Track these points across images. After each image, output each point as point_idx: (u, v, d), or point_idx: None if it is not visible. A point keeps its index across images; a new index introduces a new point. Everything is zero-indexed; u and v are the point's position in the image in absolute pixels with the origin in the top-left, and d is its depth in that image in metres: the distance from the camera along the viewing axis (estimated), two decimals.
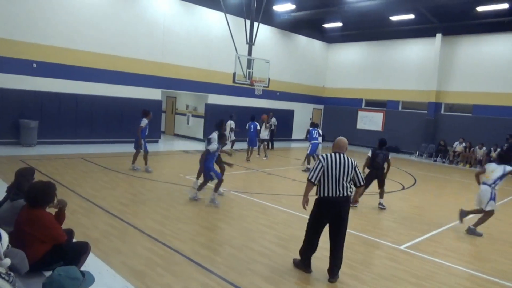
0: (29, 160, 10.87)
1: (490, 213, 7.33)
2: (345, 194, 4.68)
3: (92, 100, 15.31)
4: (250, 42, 16.13)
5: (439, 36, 20.78)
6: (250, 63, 15.51)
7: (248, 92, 19.81)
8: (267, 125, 16.17)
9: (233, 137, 16.33)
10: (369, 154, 8.84)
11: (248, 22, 15.97)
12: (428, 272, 5.29)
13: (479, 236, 7.19)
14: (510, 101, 18.75)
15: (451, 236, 7.22)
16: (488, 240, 7.18)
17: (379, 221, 7.54)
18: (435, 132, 21.14)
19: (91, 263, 4.35)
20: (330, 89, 26.39)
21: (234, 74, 15.24)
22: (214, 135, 8.57)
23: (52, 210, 3.94)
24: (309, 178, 4.79)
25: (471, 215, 7.63)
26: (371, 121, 24.04)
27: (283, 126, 21.79)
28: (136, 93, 16.70)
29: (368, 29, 22.35)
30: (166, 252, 5.24)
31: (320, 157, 4.80)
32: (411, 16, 19.19)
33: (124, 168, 10.92)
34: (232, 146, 16.54)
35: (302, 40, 24.49)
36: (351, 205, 4.98)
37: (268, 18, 19.72)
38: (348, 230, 4.93)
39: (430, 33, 20.92)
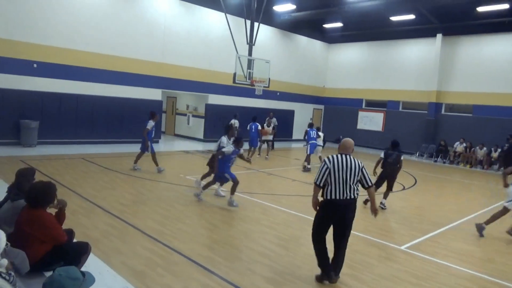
0: (30, 160, 10.87)
1: (504, 211, 7.27)
2: (352, 196, 4.57)
3: (93, 100, 15.31)
4: (251, 42, 16.14)
5: (439, 36, 20.77)
6: (250, 63, 15.52)
7: (248, 92, 19.81)
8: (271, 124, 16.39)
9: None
10: (382, 155, 8.96)
11: (248, 22, 15.98)
12: (429, 272, 5.29)
13: (481, 236, 7.18)
14: (510, 102, 18.73)
15: (451, 236, 7.21)
16: (488, 240, 7.17)
17: (379, 221, 7.54)
18: (436, 132, 21.13)
19: (92, 263, 4.35)
20: (330, 89, 26.39)
21: (235, 74, 15.25)
22: (223, 139, 8.55)
23: (52, 211, 3.94)
24: (315, 181, 4.69)
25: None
26: (371, 121, 24.03)
27: (283, 126, 21.79)
28: (136, 93, 16.71)
29: (369, 29, 22.35)
30: (166, 252, 5.24)
31: (326, 159, 4.68)
32: (411, 17, 19.18)
33: (124, 169, 10.93)
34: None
35: (303, 40, 24.49)
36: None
37: (269, 18, 19.72)
38: None
39: (431, 34, 20.91)
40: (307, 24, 22.65)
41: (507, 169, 8.08)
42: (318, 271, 5.05)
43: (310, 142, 13.70)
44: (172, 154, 15.62)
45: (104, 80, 15.69)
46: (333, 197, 4.54)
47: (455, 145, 19.35)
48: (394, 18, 19.85)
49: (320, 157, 14.50)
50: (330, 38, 25.44)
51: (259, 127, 15.22)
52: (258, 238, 6.25)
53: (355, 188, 4.61)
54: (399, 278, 5.01)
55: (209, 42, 19.06)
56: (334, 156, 4.65)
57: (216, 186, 8.83)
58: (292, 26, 22.33)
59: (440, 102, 21.29)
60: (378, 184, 8.85)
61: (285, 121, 22.71)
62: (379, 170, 8.90)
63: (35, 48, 13.84)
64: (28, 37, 13.63)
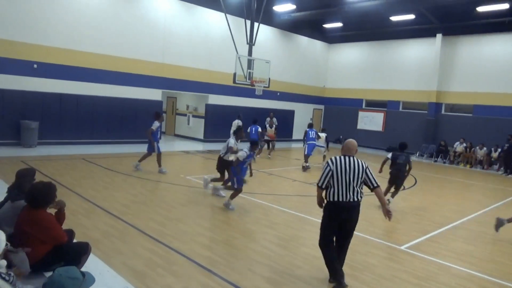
0: (30, 160, 10.88)
1: None
2: (355, 199, 4.47)
3: (93, 100, 15.32)
4: (251, 43, 16.15)
5: (439, 36, 20.77)
6: (250, 64, 15.53)
7: (248, 92, 19.82)
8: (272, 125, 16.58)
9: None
10: (389, 156, 9.02)
11: (248, 22, 15.99)
12: (429, 272, 5.29)
13: (496, 231, 7.14)
14: (510, 102, 18.73)
15: (451, 236, 7.21)
16: (489, 240, 7.17)
17: (379, 221, 7.53)
18: (436, 132, 21.13)
19: (92, 264, 4.35)
20: (330, 89, 26.39)
21: (235, 74, 15.25)
22: (231, 141, 8.54)
23: (52, 211, 3.94)
24: (317, 183, 4.67)
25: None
26: (371, 121, 24.03)
27: (283, 126, 21.79)
28: (136, 93, 16.72)
29: (369, 29, 22.37)
30: (166, 253, 5.24)
31: (329, 161, 4.63)
32: (411, 17, 19.19)
33: (125, 169, 10.93)
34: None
35: (303, 41, 24.49)
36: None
37: (269, 18, 19.74)
38: None
39: (431, 34, 20.92)
40: (307, 24, 22.66)
41: None
42: (318, 271, 5.05)
43: (309, 142, 13.88)
44: (172, 154, 15.61)
45: (104, 80, 15.70)
46: (335, 199, 4.47)
47: (455, 145, 19.34)
48: (394, 18, 19.87)
49: (324, 157, 14.58)
50: (330, 38, 25.44)
51: (259, 130, 15.21)
52: (258, 238, 6.25)
53: (359, 190, 4.51)
54: (399, 278, 5.01)
55: (209, 42, 19.07)
56: (337, 157, 4.58)
57: (216, 184, 8.84)
58: (292, 26, 22.34)
59: (440, 102, 21.29)
60: (389, 186, 8.97)
61: (285, 121, 22.72)
62: (386, 171, 8.90)
63: (35, 48, 13.85)
64: (28, 38, 13.64)
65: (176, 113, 22.11)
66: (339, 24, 22.19)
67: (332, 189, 4.51)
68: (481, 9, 16.86)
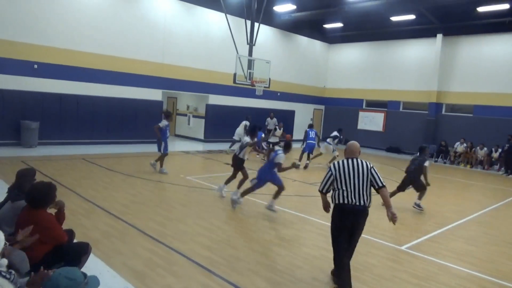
0: (30, 161, 10.88)
1: None
2: (361, 203, 4.32)
3: (93, 101, 15.32)
4: (251, 43, 16.15)
5: (439, 36, 20.77)
6: (250, 64, 15.53)
7: (248, 92, 19.83)
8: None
9: (243, 136, 16.66)
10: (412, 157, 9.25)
11: (248, 22, 15.99)
12: (429, 272, 5.28)
13: None
14: (510, 102, 18.72)
15: (452, 236, 7.21)
16: (489, 241, 7.17)
17: (379, 221, 7.53)
18: (436, 132, 21.12)
19: (92, 264, 4.35)
20: (330, 89, 26.39)
21: (235, 74, 15.26)
22: (247, 139, 8.48)
23: (52, 211, 3.94)
24: (319, 188, 4.65)
25: None
26: (372, 121, 24.03)
27: (283, 126, 21.75)
28: (137, 94, 16.72)
29: (369, 29, 22.36)
30: (166, 253, 5.24)
31: (331, 166, 4.58)
32: (411, 17, 19.19)
33: (124, 169, 10.93)
34: (231, 146, 16.70)
35: (303, 41, 24.49)
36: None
37: (269, 18, 19.74)
38: None
39: (431, 34, 20.92)
40: (307, 24, 22.66)
41: None
42: (318, 272, 5.05)
43: (308, 141, 14.15)
44: (173, 154, 15.58)
45: (104, 80, 15.71)
46: (341, 201, 4.36)
47: (455, 145, 19.34)
48: (394, 18, 19.87)
49: (333, 158, 14.51)
50: (330, 38, 25.44)
51: (263, 135, 15.18)
52: (258, 238, 6.25)
53: (367, 195, 4.36)
54: (399, 278, 5.00)
55: (209, 43, 19.07)
56: (340, 161, 4.52)
57: (221, 185, 8.79)
58: (293, 26, 22.34)
59: (441, 102, 21.29)
60: (401, 188, 9.03)
61: (285, 121, 22.67)
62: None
63: (36, 48, 13.85)
64: (29, 38, 13.65)
65: (176, 113, 22.11)
66: (339, 24, 22.19)
67: (337, 192, 4.42)
68: (481, 9, 16.85)
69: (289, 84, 23.55)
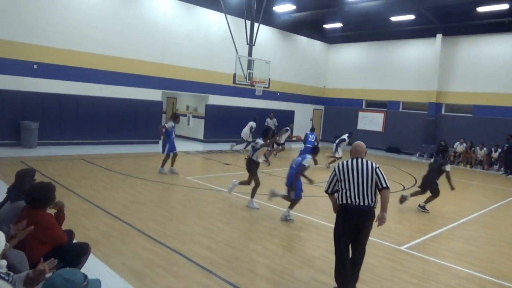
0: (30, 161, 10.88)
1: None
2: (366, 203, 4.24)
3: (93, 101, 15.31)
4: (251, 43, 16.15)
5: (439, 36, 20.78)
6: (250, 64, 15.52)
7: (248, 92, 19.82)
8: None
9: (251, 138, 16.86)
10: (431, 160, 9.34)
11: (248, 22, 15.98)
12: (429, 273, 5.28)
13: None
14: (510, 102, 18.73)
15: (452, 236, 7.21)
16: (489, 241, 7.17)
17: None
18: (436, 132, 21.13)
19: (91, 264, 4.35)
20: (330, 89, 26.39)
21: (235, 74, 15.26)
22: (260, 141, 8.28)
23: (51, 212, 3.94)
24: (325, 189, 4.63)
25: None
26: (371, 121, 24.03)
27: (283, 126, 21.72)
28: (136, 94, 16.72)
29: (369, 29, 22.36)
30: (166, 253, 5.24)
31: (335, 167, 4.55)
32: (411, 17, 19.20)
33: (124, 169, 10.93)
34: (246, 147, 16.86)
35: (303, 41, 24.50)
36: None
37: (269, 18, 19.74)
38: None
39: (431, 34, 20.92)
40: (307, 25, 22.66)
41: None
42: (318, 272, 5.05)
43: (306, 145, 14.05)
44: None
45: (104, 81, 15.70)
46: (344, 201, 4.31)
47: (455, 145, 19.35)
48: (394, 18, 19.87)
49: (334, 160, 14.64)
50: (330, 38, 25.45)
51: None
52: (258, 238, 6.25)
53: (371, 195, 4.27)
54: (399, 278, 5.00)
55: (209, 43, 19.07)
56: (345, 162, 4.48)
57: (234, 181, 8.53)
58: (292, 26, 22.34)
59: (440, 102, 21.30)
60: (422, 190, 9.01)
61: (285, 121, 22.68)
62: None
63: (35, 49, 13.85)
64: (28, 38, 13.64)
65: (175, 113, 22.09)
66: (339, 25, 22.20)
67: (342, 192, 4.38)
68: (481, 9, 16.86)
69: (288, 84, 23.55)
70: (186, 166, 12.86)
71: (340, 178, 4.42)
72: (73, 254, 3.87)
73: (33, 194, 3.71)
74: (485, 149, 18.35)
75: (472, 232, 7.70)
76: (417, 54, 22.20)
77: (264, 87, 16.32)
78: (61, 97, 14.48)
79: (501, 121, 18.77)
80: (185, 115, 21.06)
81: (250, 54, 16.01)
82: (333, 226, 4.57)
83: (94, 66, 15.36)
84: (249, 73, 15.51)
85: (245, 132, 16.76)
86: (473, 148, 18.71)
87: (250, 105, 20.81)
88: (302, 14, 20.10)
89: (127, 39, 16.22)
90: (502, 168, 17.42)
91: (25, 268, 3.21)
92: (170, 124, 10.63)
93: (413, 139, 21.78)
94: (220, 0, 15.71)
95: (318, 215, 7.65)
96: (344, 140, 15.04)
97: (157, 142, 17.38)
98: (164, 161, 10.79)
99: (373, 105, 24.34)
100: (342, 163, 4.49)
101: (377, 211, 4.37)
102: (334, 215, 4.60)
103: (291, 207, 7.36)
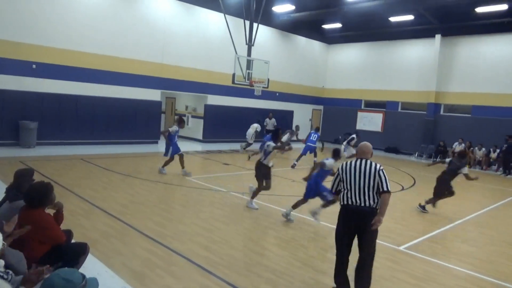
0: (29, 161, 10.86)
1: None
2: (367, 204, 4.17)
3: (92, 101, 15.29)
4: (250, 43, 16.14)
5: (438, 37, 20.80)
6: (249, 64, 15.52)
7: (247, 92, 19.81)
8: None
9: (253, 139, 17.24)
10: (447, 160, 9.11)
11: (247, 23, 15.98)
12: (428, 273, 5.29)
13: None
14: (509, 102, 18.76)
15: (450, 237, 7.22)
16: (488, 241, 7.18)
17: None
18: (435, 132, 21.15)
19: (90, 264, 4.34)
20: (329, 89, 26.40)
21: (234, 74, 15.25)
22: (271, 143, 7.96)
23: (50, 212, 3.93)
24: (331, 189, 4.65)
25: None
26: (370, 121, 24.05)
27: (282, 126, 21.63)
28: (136, 94, 16.70)
29: (368, 30, 22.37)
30: (165, 253, 5.23)
31: (339, 166, 4.53)
32: (410, 17, 19.21)
33: (123, 169, 10.91)
34: (245, 147, 17.00)
35: (302, 41, 24.50)
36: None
37: (268, 19, 19.73)
38: None
39: (430, 34, 20.94)
40: (306, 25, 22.65)
41: None
42: (317, 272, 5.05)
43: (307, 143, 14.33)
44: None
45: (103, 81, 15.68)
46: (345, 202, 4.29)
47: (453, 146, 19.37)
48: (393, 19, 19.88)
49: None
50: (329, 38, 25.46)
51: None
52: (257, 238, 6.25)
53: (373, 197, 4.19)
54: (398, 279, 5.01)
55: (208, 43, 19.06)
56: (349, 162, 4.45)
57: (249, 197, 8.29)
58: (291, 26, 22.34)
59: (439, 103, 21.32)
60: (438, 193, 8.84)
61: (284, 121, 22.70)
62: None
63: (34, 48, 13.82)
64: (27, 38, 13.61)
65: (175, 114, 22.09)
66: (338, 25, 22.19)
67: (343, 192, 4.37)
68: (480, 10, 16.88)
69: (287, 84, 23.55)
70: (185, 166, 12.84)
71: (342, 178, 4.40)
72: (72, 254, 3.87)
73: (32, 194, 3.71)
74: (483, 149, 18.38)
75: (471, 232, 7.71)
76: (416, 54, 22.22)
77: (263, 87, 16.32)
78: (60, 97, 14.46)
79: (499, 121, 18.79)
80: (184, 115, 21.05)
81: (249, 54, 16.01)
82: (332, 226, 4.57)
83: (93, 66, 15.34)
84: (248, 73, 15.51)
85: (249, 133, 17.04)
86: (471, 148, 18.73)
87: (249, 105, 20.81)
88: (301, 14, 20.10)
89: (126, 39, 16.21)
90: (501, 168, 17.45)
91: (23, 268, 3.20)
92: (174, 128, 10.63)
93: (412, 139, 21.81)
94: (219, 0, 15.70)
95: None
96: (353, 139, 15.11)
97: (156, 142, 17.41)
98: (167, 163, 10.77)
99: (372, 105, 24.36)
100: (346, 163, 4.46)
101: None
102: (333, 215, 4.60)
103: (295, 207, 7.34)
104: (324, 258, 5.51)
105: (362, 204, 4.19)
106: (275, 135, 8.37)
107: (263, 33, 20.33)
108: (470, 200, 11.27)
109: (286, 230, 6.78)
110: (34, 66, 13.83)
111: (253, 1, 16.00)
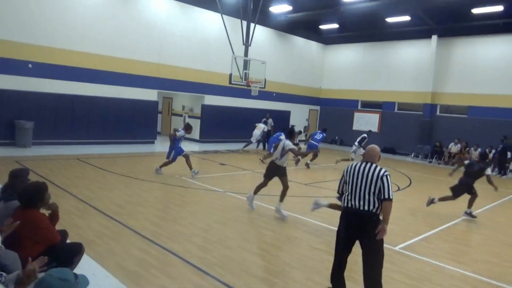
0: (24, 161, 10.82)
1: None
2: (366, 208, 4.08)
3: (89, 101, 15.24)
4: (247, 43, 16.15)
5: (434, 37, 20.87)
6: (246, 64, 15.53)
7: (244, 93, 19.82)
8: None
9: (259, 138, 17.41)
10: (466, 161, 9.02)
11: (244, 23, 15.99)
12: (423, 273, 5.30)
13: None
14: (505, 103, 18.86)
15: (446, 237, 7.24)
16: (483, 241, 7.21)
17: None
18: (431, 133, 21.23)
19: (85, 264, 4.32)
20: (326, 90, 26.44)
21: (231, 75, 15.26)
22: (288, 142, 7.78)
23: (45, 212, 3.92)
24: (337, 190, 4.63)
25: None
26: (367, 122, 24.08)
27: (279, 127, 21.78)
28: (132, 94, 16.67)
29: (365, 30, 22.44)
30: (161, 253, 5.22)
31: (344, 168, 4.50)
32: (407, 18, 19.28)
33: (119, 169, 10.89)
34: (245, 146, 17.08)
35: (299, 41, 24.53)
36: None
37: (265, 19, 19.75)
38: None
39: (426, 35, 21.02)
40: (303, 25, 22.70)
41: None
42: (313, 273, 5.06)
43: (310, 141, 14.44)
44: None
45: (100, 80, 15.64)
46: (346, 204, 4.25)
47: (450, 146, 19.45)
48: (390, 20, 19.95)
49: (336, 162, 15.02)
50: (326, 39, 25.51)
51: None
52: (253, 239, 6.25)
53: (374, 201, 4.09)
54: (393, 279, 5.02)
55: (205, 43, 19.05)
56: (354, 164, 4.40)
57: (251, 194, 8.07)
58: (288, 27, 22.37)
59: (435, 103, 21.40)
60: (456, 194, 8.77)
61: (281, 122, 22.71)
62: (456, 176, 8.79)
63: (30, 48, 13.77)
64: (23, 38, 13.56)
65: (172, 114, 22.07)
66: (335, 25, 22.25)
67: (345, 194, 4.34)
68: (476, 11, 16.97)
69: (284, 85, 23.57)
70: (182, 166, 12.84)
71: (346, 180, 4.37)
72: (66, 254, 3.85)
73: (26, 194, 3.70)
74: (479, 149, 18.43)
75: (466, 232, 7.75)
76: (413, 55, 22.28)
77: (260, 88, 16.33)
78: (56, 96, 14.41)
79: (495, 122, 18.88)
80: (181, 115, 21.04)
81: (246, 54, 16.02)
82: (328, 226, 4.59)
83: (90, 66, 15.30)
84: (245, 73, 15.52)
85: (255, 134, 17.16)
86: (467, 149, 18.81)
87: (246, 106, 20.81)
88: (298, 14, 20.14)
89: (123, 39, 16.17)
90: (496, 169, 17.51)
91: (17, 269, 3.19)
92: (181, 133, 10.59)
93: (408, 140, 21.87)
94: (216, 0, 15.69)
95: (312, 216, 7.65)
96: (365, 138, 15.12)
97: (153, 142, 17.38)
98: (165, 164, 10.74)
99: (369, 106, 24.42)
100: (351, 166, 4.39)
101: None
102: (331, 216, 4.61)
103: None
104: (320, 258, 5.51)
105: (361, 208, 4.12)
106: (290, 134, 8.03)
107: (260, 33, 20.35)
108: (465, 201, 11.30)
109: (282, 230, 6.78)
110: (30, 65, 13.78)
111: (250, 1, 16.02)
